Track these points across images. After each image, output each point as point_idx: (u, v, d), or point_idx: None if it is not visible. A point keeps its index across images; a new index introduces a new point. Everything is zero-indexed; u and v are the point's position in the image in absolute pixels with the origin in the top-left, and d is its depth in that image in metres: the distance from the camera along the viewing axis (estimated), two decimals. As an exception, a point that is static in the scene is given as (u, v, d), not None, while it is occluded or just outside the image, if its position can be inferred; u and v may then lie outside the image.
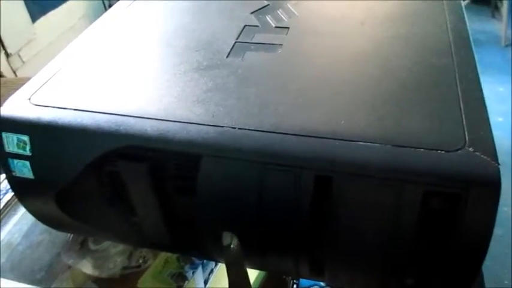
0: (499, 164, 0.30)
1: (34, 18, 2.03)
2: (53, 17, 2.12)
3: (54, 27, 2.03)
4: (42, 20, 2.06)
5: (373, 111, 0.35)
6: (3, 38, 1.80)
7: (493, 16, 2.44)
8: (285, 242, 0.36)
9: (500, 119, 1.76)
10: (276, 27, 0.47)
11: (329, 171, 0.32)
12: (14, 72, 1.90)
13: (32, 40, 2.00)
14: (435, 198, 0.31)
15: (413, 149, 0.32)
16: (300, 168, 0.33)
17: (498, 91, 1.97)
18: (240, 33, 0.46)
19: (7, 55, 1.84)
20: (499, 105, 1.86)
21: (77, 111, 0.37)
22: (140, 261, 0.65)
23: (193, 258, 0.62)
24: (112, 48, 0.46)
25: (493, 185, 0.29)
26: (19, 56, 1.94)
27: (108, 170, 0.39)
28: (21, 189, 0.41)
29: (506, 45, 2.23)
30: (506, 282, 1.40)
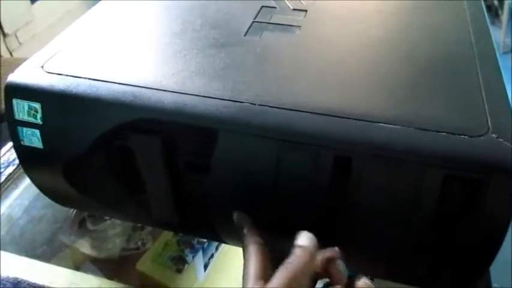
0: (522, 151, 0.30)
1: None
2: (52, -1, 2.09)
3: (53, 10, 2.01)
4: (41, 2, 2.04)
5: (394, 95, 0.35)
6: (1, 18, 1.77)
7: (493, 23, 2.46)
8: (299, 224, 0.35)
9: (496, 125, 1.77)
10: (293, 9, 0.47)
11: (349, 151, 0.32)
12: (11, 53, 1.87)
13: (30, 22, 1.97)
14: (456, 183, 0.31)
15: (435, 132, 0.31)
16: (319, 147, 0.32)
17: (495, 97, 1.98)
18: (258, 14, 0.45)
19: (4, 35, 1.82)
20: (495, 111, 1.87)
21: (92, 80, 0.36)
22: (139, 243, 0.64)
23: (193, 242, 0.62)
24: (129, 21, 0.45)
25: (516, 172, 0.29)
26: (16, 36, 1.92)
27: (120, 143, 0.38)
28: (29, 159, 0.40)
29: (505, 53, 2.25)
30: (495, 285, 1.42)
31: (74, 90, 0.36)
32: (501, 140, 0.30)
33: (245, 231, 0.34)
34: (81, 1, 2.00)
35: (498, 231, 0.31)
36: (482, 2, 0.47)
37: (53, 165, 0.40)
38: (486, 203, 0.30)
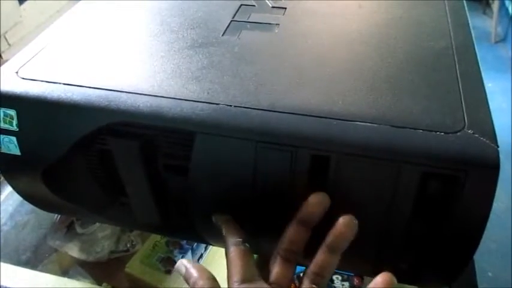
0: (498, 147, 0.30)
1: (21, 0, 1.99)
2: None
3: (42, 10, 1.99)
4: (30, 3, 2.02)
5: (372, 92, 0.34)
6: (-11, 20, 1.76)
7: (484, 12, 2.46)
8: (279, 223, 0.35)
9: (488, 114, 1.78)
10: (272, 7, 0.46)
11: (326, 150, 0.32)
12: (0, 54, 1.86)
13: (19, 23, 1.96)
14: (433, 180, 0.31)
15: (412, 130, 0.31)
16: (295, 147, 0.32)
17: (487, 87, 1.98)
18: (236, 12, 0.45)
19: (-7, 37, 1.81)
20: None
21: (66, 85, 0.36)
22: (128, 245, 0.64)
23: (182, 243, 0.62)
24: (105, 23, 0.45)
25: (492, 168, 0.29)
26: (5, 38, 1.90)
27: (98, 147, 0.38)
28: (7, 166, 0.40)
29: (496, 42, 2.25)
30: (489, 274, 1.43)
31: (49, 96, 0.36)
32: (477, 135, 0.30)
33: (223, 232, 0.34)
34: (69, 1, 1.98)
35: (477, 227, 0.31)
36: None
37: (32, 172, 0.39)
38: (463, 198, 0.30)
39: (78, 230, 0.63)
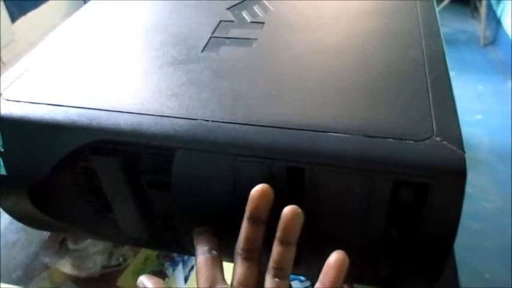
0: (465, 153, 0.31)
1: (14, 18, 2.01)
2: (33, 17, 2.10)
3: (35, 28, 2.01)
4: (22, 21, 2.04)
5: (345, 103, 0.36)
6: (-19, 40, 1.77)
7: (472, 16, 2.49)
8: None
9: (479, 117, 1.80)
10: (251, 22, 0.47)
11: (301, 162, 0.33)
12: (-6, 73, 1.86)
13: (12, 41, 1.97)
14: (404, 188, 0.32)
15: (383, 139, 0.32)
16: (272, 160, 0.33)
17: (477, 89, 2.01)
18: (216, 29, 0.46)
19: (-14, 56, 1.82)
20: (478, 104, 1.90)
21: (49, 105, 0.37)
22: (120, 259, 0.64)
23: (173, 255, 0.62)
24: (87, 43, 0.46)
25: (459, 174, 0.30)
26: (-2, 57, 1.91)
27: (82, 165, 0.38)
28: (-6, 186, 0.41)
29: (485, 45, 2.28)
30: (487, 275, 1.43)
31: (32, 117, 0.37)
32: (445, 142, 0.31)
33: (194, 242, 0.35)
34: (62, 16, 2.00)
35: (449, 231, 0.32)
36: (435, 3, 0.48)
37: (18, 191, 0.40)
38: (434, 204, 0.31)
39: (71, 246, 0.64)
